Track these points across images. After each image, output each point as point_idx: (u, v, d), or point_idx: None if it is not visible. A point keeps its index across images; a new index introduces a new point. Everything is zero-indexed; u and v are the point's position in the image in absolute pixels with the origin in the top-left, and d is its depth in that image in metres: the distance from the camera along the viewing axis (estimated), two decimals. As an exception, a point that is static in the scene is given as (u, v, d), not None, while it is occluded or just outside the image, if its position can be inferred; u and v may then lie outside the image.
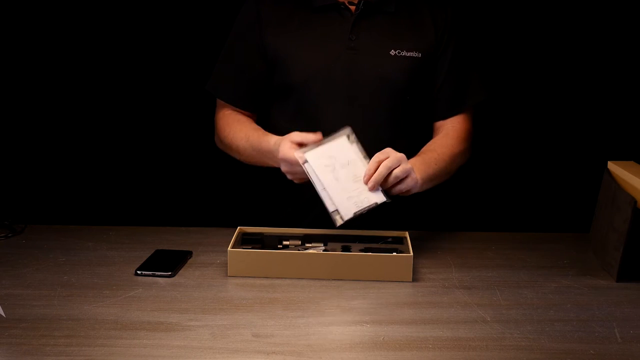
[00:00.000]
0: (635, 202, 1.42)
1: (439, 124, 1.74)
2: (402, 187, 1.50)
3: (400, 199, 1.76)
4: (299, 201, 1.72)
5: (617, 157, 1.63)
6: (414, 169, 1.52)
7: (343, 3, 1.67)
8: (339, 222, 1.47)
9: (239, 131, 1.68)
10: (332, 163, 1.49)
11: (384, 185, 1.48)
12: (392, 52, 1.66)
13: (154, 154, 2.26)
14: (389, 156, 1.47)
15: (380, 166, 1.46)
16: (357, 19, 1.66)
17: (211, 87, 1.76)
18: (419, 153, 1.64)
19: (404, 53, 1.67)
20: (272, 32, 1.69)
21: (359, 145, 1.52)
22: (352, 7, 1.67)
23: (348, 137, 1.52)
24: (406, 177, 1.49)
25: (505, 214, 2.24)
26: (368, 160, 1.49)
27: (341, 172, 1.48)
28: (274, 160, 1.57)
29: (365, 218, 1.69)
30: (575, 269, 1.53)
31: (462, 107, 1.72)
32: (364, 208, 1.47)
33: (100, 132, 2.24)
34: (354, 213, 1.46)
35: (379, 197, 1.48)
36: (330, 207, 1.47)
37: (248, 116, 1.75)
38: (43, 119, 2.21)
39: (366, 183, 1.47)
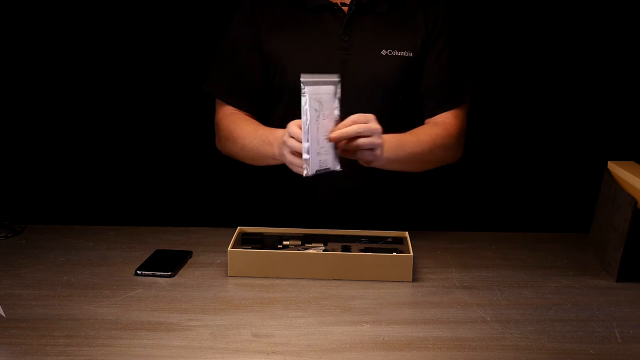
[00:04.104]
0: (636, 202, 1.42)
1: (429, 120, 1.72)
2: (364, 157, 1.48)
3: (400, 199, 1.77)
4: (296, 199, 1.72)
5: (617, 157, 1.63)
6: (384, 145, 1.49)
7: (336, 4, 1.68)
8: (304, 173, 1.43)
9: (247, 126, 1.66)
10: (319, 110, 1.44)
11: (346, 145, 1.45)
12: (384, 52, 1.66)
13: (154, 154, 2.26)
14: (367, 123, 1.45)
15: (350, 127, 1.44)
16: (349, 19, 1.66)
17: (209, 88, 1.75)
18: (401, 133, 1.62)
19: (396, 53, 1.66)
20: (266, 32, 1.69)
21: (340, 100, 1.46)
22: (345, 8, 1.67)
23: (335, 87, 1.46)
24: (371, 149, 1.47)
25: (505, 214, 2.25)
26: (339, 121, 1.46)
27: (322, 122, 1.44)
28: (276, 146, 1.54)
29: (365, 218, 1.70)
30: (575, 269, 1.53)
31: (452, 104, 1.71)
32: (322, 170, 1.45)
33: (100, 132, 2.24)
34: (316, 171, 1.44)
35: (336, 164, 1.47)
36: (305, 155, 1.43)
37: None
38: (43, 119, 2.22)
39: (333, 138, 1.44)
